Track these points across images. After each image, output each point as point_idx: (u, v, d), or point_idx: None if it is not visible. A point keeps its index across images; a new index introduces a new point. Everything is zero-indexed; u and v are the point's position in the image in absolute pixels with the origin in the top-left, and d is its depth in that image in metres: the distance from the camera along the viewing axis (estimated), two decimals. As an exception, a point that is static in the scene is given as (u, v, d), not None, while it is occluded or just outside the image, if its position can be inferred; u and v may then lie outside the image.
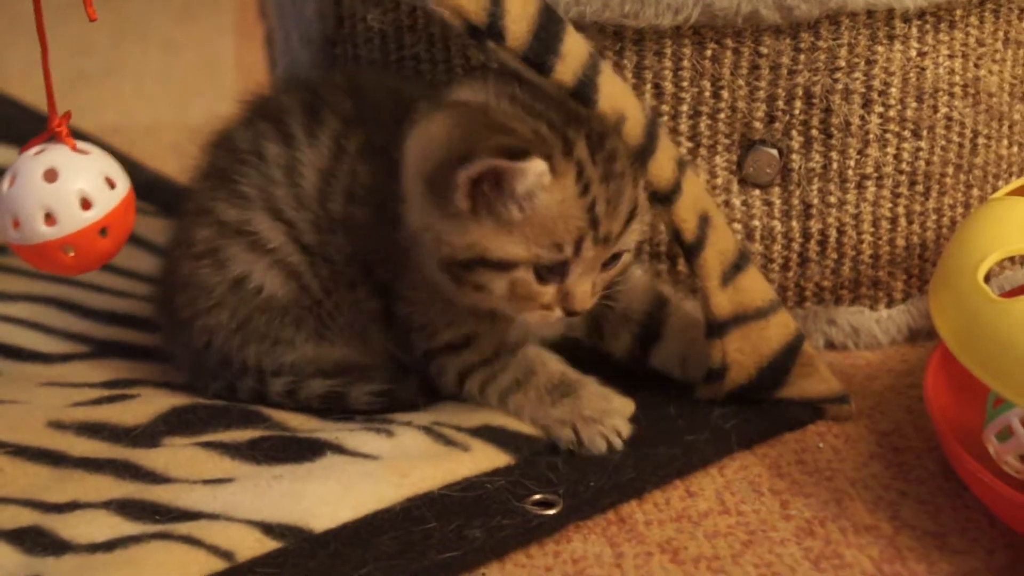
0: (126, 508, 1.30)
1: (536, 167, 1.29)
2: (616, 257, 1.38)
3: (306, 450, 1.38)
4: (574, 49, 1.37)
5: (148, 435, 1.41)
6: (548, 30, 1.36)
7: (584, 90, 1.36)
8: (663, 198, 1.41)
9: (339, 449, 1.38)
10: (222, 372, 1.50)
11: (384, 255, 1.43)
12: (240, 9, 3.03)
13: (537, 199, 1.30)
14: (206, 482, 1.34)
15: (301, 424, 1.44)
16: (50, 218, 1.36)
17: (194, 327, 1.50)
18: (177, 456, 1.37)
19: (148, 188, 2.01)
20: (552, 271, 1.34)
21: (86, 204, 1.37)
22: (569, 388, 1.42)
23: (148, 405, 1.46)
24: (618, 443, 1.40)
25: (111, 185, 1.39)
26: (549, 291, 1.35)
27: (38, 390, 1.52)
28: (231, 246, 1.46)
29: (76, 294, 1.76)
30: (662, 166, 1.40)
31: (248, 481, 1.33)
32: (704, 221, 1.43)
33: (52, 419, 1.43)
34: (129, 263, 1.80)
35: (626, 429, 1.41)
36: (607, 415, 1.41)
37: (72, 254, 1.38)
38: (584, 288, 1.35)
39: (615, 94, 1.38)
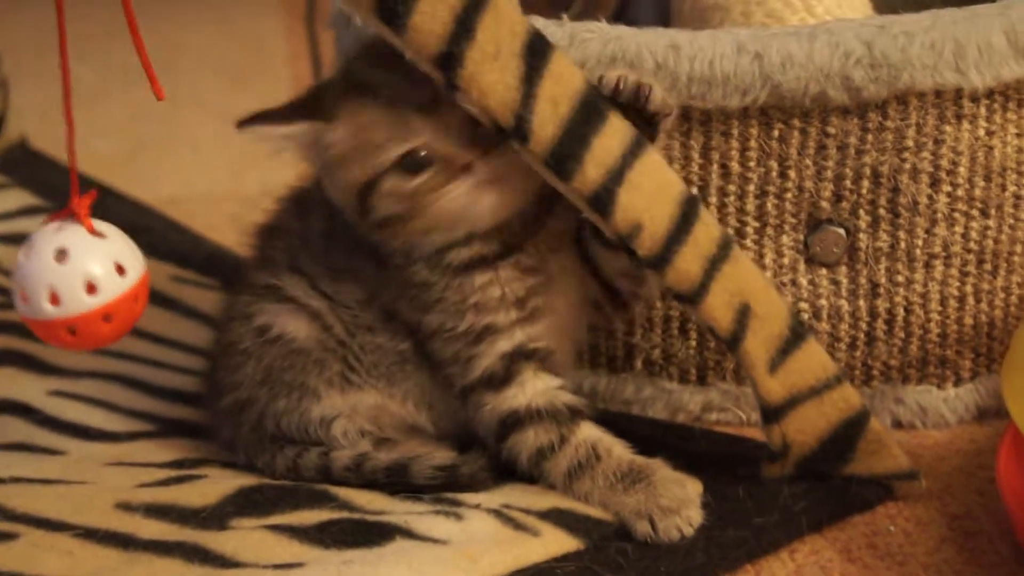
0: (197, 594, 1.30)
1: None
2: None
3: (375, 534, 1.37)
4: (601, 155, 1.35)
5: (216, 517, 1.40)
6: (576, 133, 1.35)
7: (600, 201, 1.36)
8: (687, 299, 1.41)
9: (408, 533, 1.37)
10: (266, 444, 1.50)
11: (399, 293, 1.46)
12: (294, 78, 3.05)
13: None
14: (276, 567, 1.33)
15: (368, 503, 1.43)
16: (55, 298, 1.37)
17: (225, 386, 1.52)
18: (246, 540, 1.36)
19: (208, 261, 2.03)
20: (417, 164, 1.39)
21: (91, 289, 1.37)
22: (640, 475, 1.41)
23: (215, 486, 1.45)
24: (690, 532, 1.39)
25: (121, 272, 1.39)
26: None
27: (104, 470, 1.52)
28: (259, 302, 1.51)
29: (141, 371, 1.76)
30: (682, 272, 1.39)
31: (318, 566, 1.32)
32: (743, 314, 1.41)
33: (120, 500, 1.43)
34: (193, 338, 1.81)
35: (699, 517, 1.40)
36: (684, 505, 1.39)
37: (74, 336, 1.38)
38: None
39: (636, 205, 1.37)
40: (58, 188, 2.41)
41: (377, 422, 1.50)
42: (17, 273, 1.39)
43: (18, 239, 2.14)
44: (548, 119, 1.34)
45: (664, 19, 2.01)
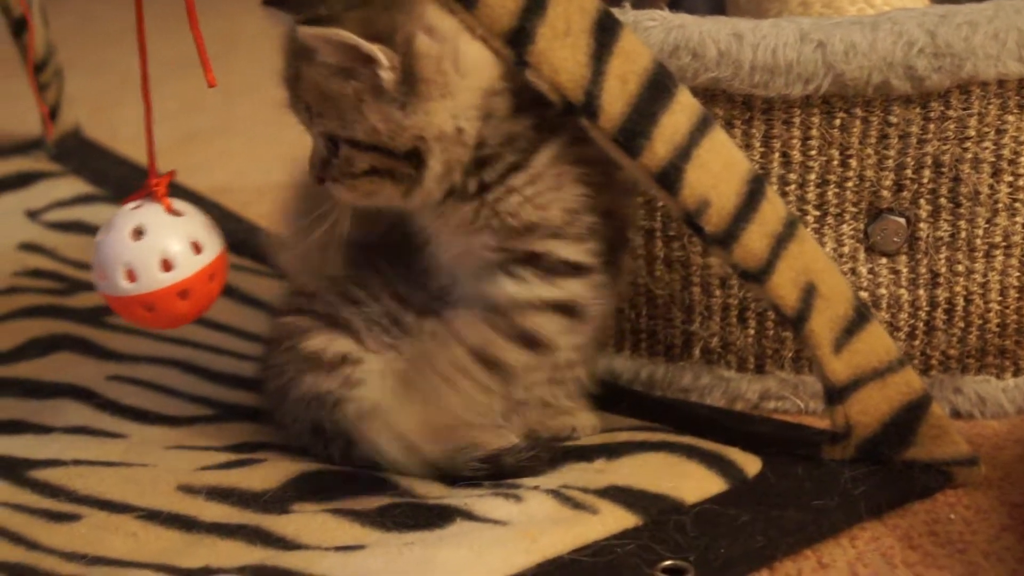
0: (259, 575, 1.31)
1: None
2: (336, 146, 1.37)
3: (436, 517, 1.38)
4: (668, 132, 1.36)
5: (277, 500, 1.41)
6: (645, 111, 1.35)
7: (667, 178, 1.36)
8: (753, 277, 1.41)
9: (469, 515, 1.38)
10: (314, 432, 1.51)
11: None
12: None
13: None
14: (337, 549, 1.34)
15: (429, 491, 1.43)
16: (131, 275, 1.39)
17: (272, 371, 1.54)
18: (308, 523, 1.37)
19: (263, 250, 2.03)
20: None
21: (167, 266, 1.40)
22: None
23: (276, 470, 1.47)
24: None
25: (197, 250, 1.41)
26: None
27: (166, 453, 1.53)
28: None
29: (200, 357, 1.78)
30: (749, 249, 1.39)
31: (379, 548, 1.33)
32: (808, 292, 1.41)
33: (182, 483, 1.45)
34: (250, 325, 1.82)
35: None
36: None
37: (151, 312, 1.40)
38: (313, 158, 1.41)
39: (703, 182, 1.37)
40: (111, 176, 2.43)
41: None
42: (95, 252, 1.42)
43: (74, 227, 2.17)
44: (617, 96, 1.35)
45: (718, 8, 2.01)
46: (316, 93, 1.35)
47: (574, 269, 1.40)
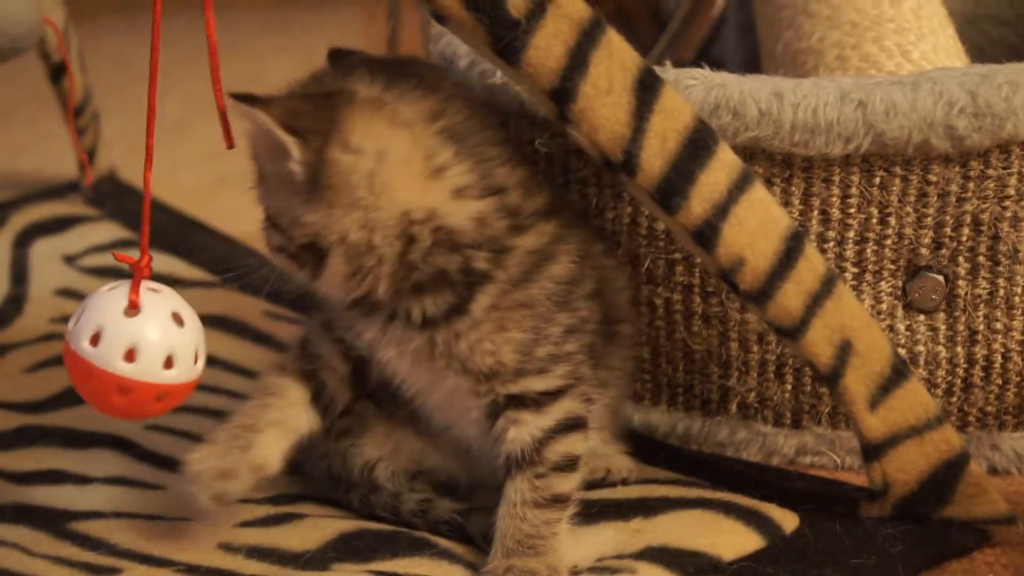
0: (301, 630, 1.32)
1: None
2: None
3: (477, 579, 1.38)
4: (707, 191, 1.36)
5: (318, 560, 1.41)
6: (683, 170, 1.36)
7: (704, 235, 1.37)
8: (787, 334, 1.41)
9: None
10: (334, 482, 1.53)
11: None
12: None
13: None
14: (378, 606, 1.34)
15: (467, 552, 1.44)
16: (131, 355, 1.34)
17: None
18: (348, 582, 1.38)
19: (300, 298, 2.04)
20: None
21: (169, 363, 1.35)
22: None
23: (315, 530, 1.46)
24: None
25: (195, 360, 1.38)
26: None
27: (204, 506, 1.53)
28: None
29: (235, 406, 1.77)
30: (783, 307, 1.39)
31: (421, 606, 1.34)
32: (843, 350, 1.41)
33: (222, 541, 1.45)
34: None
35: None
36: None
37: (124, 397, 1.35)
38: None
39: (740, 240, 1.37)
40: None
41: (421, 465, 1.52)
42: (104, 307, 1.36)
43: (111, 273, 2.18)
44: (656, 154, 1.35)
45: (750, 59, 2.02)
46: (260, 165, 1.37)
47: (555, 394, 1.40)
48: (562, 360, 1.40)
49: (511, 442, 1.40)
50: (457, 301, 1.37)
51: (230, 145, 1.36)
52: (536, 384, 1.39)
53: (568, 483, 1.40)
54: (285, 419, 1.44)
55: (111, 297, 1.36)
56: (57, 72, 2.47)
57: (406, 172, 1.34)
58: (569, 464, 1.40)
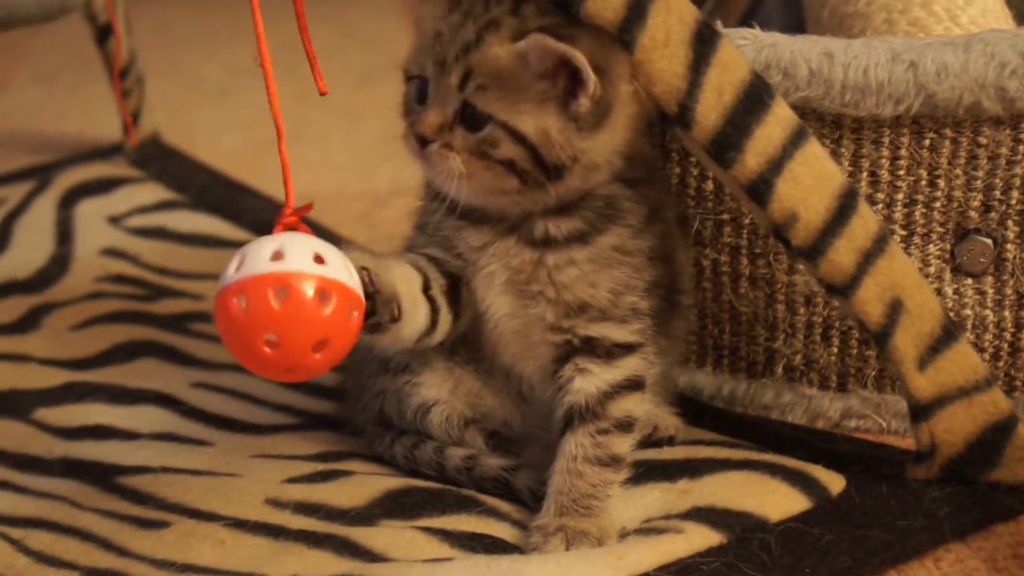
0: (348, 585, 1.32)
1: None
2: (480, 121, 1.36)
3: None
4: (762, 145, 1.37)
5: (365, 516, 1.42)
6: (739, 123, 1.36)
7: (757, 190, 1.38)
8: (838, 291, 1.41)
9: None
10: (382, 429, 1.54)
11: None
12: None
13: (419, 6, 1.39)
14: (425, 561, 1.35)
15: (513, 510, 1.45)
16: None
17: (349, 369, 1.58)
18: (396, 538, 1.38)
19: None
20: (421, 94, 1.39)
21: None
22: None
23: (362, 487, 1.47)
24: None
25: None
26: (417, 111, 1.39)
27: (251, 462, 1.55)
28: None
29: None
30: (835, 264, 1.39)
31: (468, 561, 1.34)
32: (894, 308, 1.41)
33: (270, 496, 1.46)
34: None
35: None
36: None
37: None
38: (429, 117, 1.36)
39: (793, 195, 1.38)
40: (191, 182, 2.45)
41: (475, 409, 1.52)
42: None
43: (156, 233, 2.19)
44: (712, 107, 1.36)
45: (793, 24, 2.01)
46: (493, 69, 1.35)
47: (627, 348, 1.43)
48: (640, 315, 1.43)
49: (576, 392, 1.41)
50: (586, 230, 1.40)
51: (324, 91, 1.37)
52: (614, 332, 1.42)
53: (625, 443, 1.42)
54: (401, 273, 1.42)
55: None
56: (103, 34, 2.47)
57: (635, 103, 1.38)
58: (628, 423, 1.42)
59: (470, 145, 1.36)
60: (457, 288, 1.45)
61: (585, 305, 1.41)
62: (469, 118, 1.36)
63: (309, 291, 1.24)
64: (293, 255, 1.25)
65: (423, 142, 1.37)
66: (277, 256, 1.25)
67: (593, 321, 1.41)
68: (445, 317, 1.44)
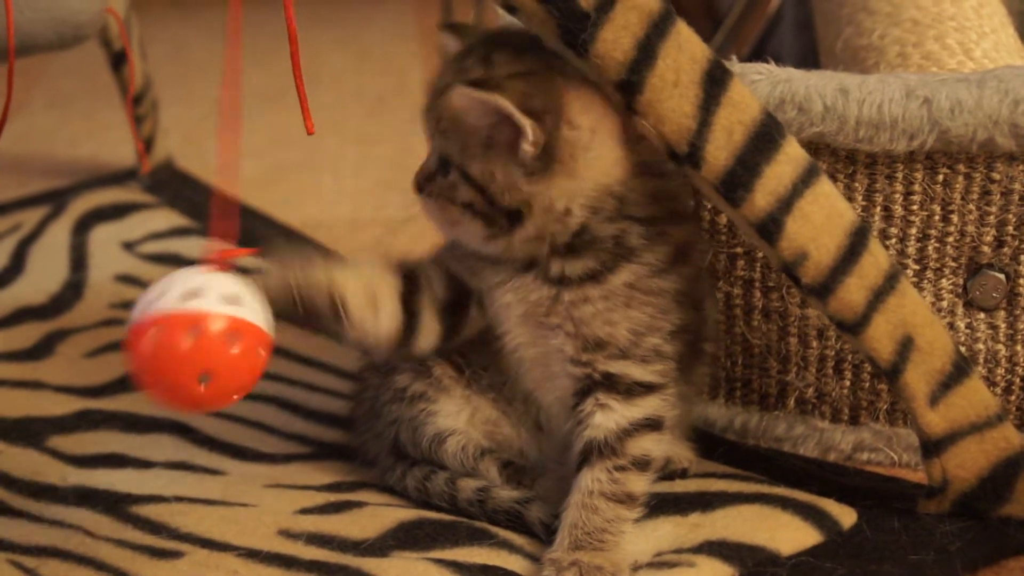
0: (360, 615, 1.32)
1: None
2: (446, 167, 1.40)
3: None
4: (771, 184, 1.37)
5: (377, 548, 1.42)
6: (748, 162, 1.37)
7: (767, 228, 1.38)
8: (848, 328, 1.41)
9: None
10: (394, 460, 1.55)
11: None
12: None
13: None
14: (438, 593, 1.35)
15: (526, 543, 1.44)
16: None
17: (362, 399, 1.59)
18: (409, 570, 1.38)
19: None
20: None
21: None
22: None
23: (375, 518, 1.48)
24: None
25: None
26: None
27: (264, 492, 1.55)
28: None
29: (294, 393, 1.80)
30: (845, 302, 1.40)
31: (480, 593, 1.35)
32: (905, 346, 1.41)
33: (282, 527, 1.46)
34: (343, 362, 1.83)
35: None
36: None
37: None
38: (419, 170, 1.43)
39: (803, 234, 1.38)
40: (203, 208, 2.46)
41: (492, 438, 1.53)
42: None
43: (170, 259, 2.20)
44: (722, 147, 1.36)
45: (805, 55, 2.02)
46: (451, 116, 1.39)
47: (648, 388, 1.43)
48: (663, 357, 1.43)
49: (595, 427, 1.42)
50: (599, 269, 1.41)
51: (311, 131, 1.37)
52: (635, 371, 1.42)
53: (641, 482, 1.42)
54: (367, 275, 1.46)
55: None
56: (118, 60, 2.49)
57: (609, 145, 1.39)
58: (646, 462, 1.43)
59: (442, 190, 1.41)
60: (462, 304, 1.48)
61: (603, 342, 1.42)
62: (442, 167, 1.41)
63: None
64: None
65: (419, 190, 1.43)
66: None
67: (612, 358, 1.42)
68: (429, 327, 1.47)
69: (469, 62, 1.41)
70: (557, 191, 1.38)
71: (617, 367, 1.42)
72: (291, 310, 1.42)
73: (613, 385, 1.42)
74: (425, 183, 1.43)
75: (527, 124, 1.34)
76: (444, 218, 1.43)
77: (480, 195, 1.39)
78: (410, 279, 1.47)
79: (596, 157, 1.39)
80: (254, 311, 1.29)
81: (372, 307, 1.44)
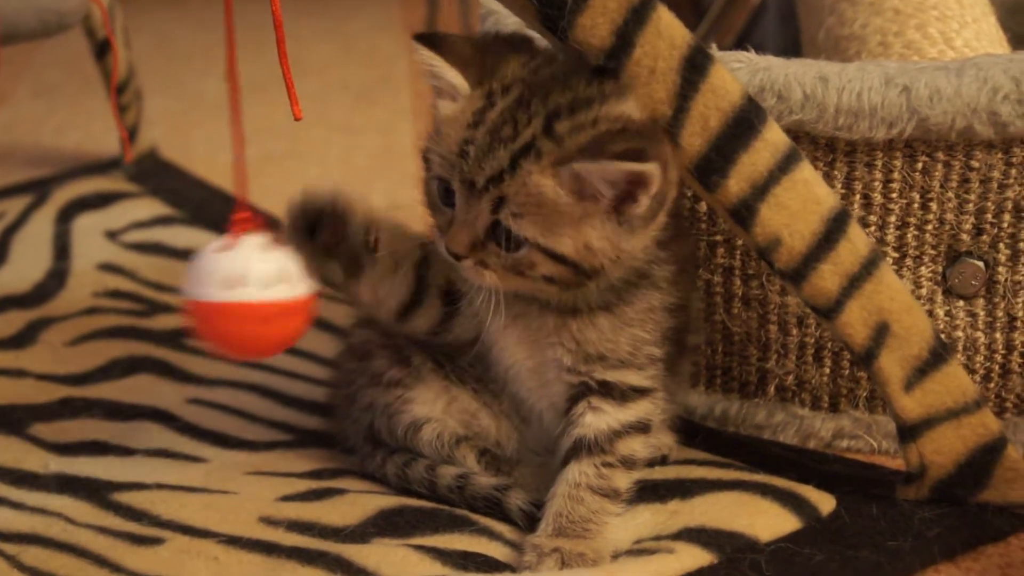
0: (341, 601, 1.33)
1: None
2: (514, 243, 1.33)
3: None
4: (747, 171, 1.37)
5: (358, 534, 1.43)
6: (723, 149, 1.37)
7: (740, 214, 1.38)
8: (821, 313, 1.42)
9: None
10: (372, 447, 1.55)
11: None
12: (416, 96, 3.08)
13: (443, 105, 1.37)
14: (417, 578, 1.36)
15: (507, 531, 1.45)
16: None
17: (340, 383, 1.59)
18: (389, 556, 1.38)
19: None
20: (447, 194, 1.35)
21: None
22: None
23: (356, 505, 1.48)
24: None
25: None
26: (445, 214, 1.36)
27: (245, 479, 1.55)
28: None
29: (276, 381, 1.80)
30: (818, 288, 1.40)
31: (460, 579, 1.35)
32: (880, 332, 1.42)
33: (264, 514, 1.46)
34: (325, 350, 1.83)
35: None
36: None
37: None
38: (459, 235, 1.34)
39: (776, 221, 1.38)
40: (188, 198, 2.46)
41: (469, 427, 1.53)
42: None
43: (153, 248, 2.20)
44: (696, 133, 1.36)
45: (789, 46, 2.02)
46: (533, 199, 1.31)
47: (641, 392, 1.44)
48: (656, 361, 1.44)
49: (587, 427, 1.43)
50: (614, 300, 1.41)
51: (298, 116, 1.39)
52: (631, 378, 1.43)
53: (626, 479, 1.44)
54: (398, 229, 1.46)
55: None
56: (102, 49, 2.49)
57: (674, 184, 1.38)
58: (632, 461, 1.44)
59: (505, 263, 1.34)
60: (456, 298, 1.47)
61: (604, 356, 1.42)
62: (501, 235, 1.33)
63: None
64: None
65: (456, 257, 1.36)
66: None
67: (611, 368, 1.43)
68: (432, 304, 1.46)
69: (528, 135, 1.31)
70: (641, 240, 1.36)
71: (615, 375, 1.43)
72: (327, 222, 1.45)
73: (609, 391, 1.43)
74: (472, 254, 1.35)
75: (658, 180, 1.30)
76: (507, 285, 1.37)
77: (567, 267, 1.34)
78: (425, 253, 1.45)
79: (674, 196, 1.38)
80: (295, 280, 1.41)
81: (393, 264, 1.43)
